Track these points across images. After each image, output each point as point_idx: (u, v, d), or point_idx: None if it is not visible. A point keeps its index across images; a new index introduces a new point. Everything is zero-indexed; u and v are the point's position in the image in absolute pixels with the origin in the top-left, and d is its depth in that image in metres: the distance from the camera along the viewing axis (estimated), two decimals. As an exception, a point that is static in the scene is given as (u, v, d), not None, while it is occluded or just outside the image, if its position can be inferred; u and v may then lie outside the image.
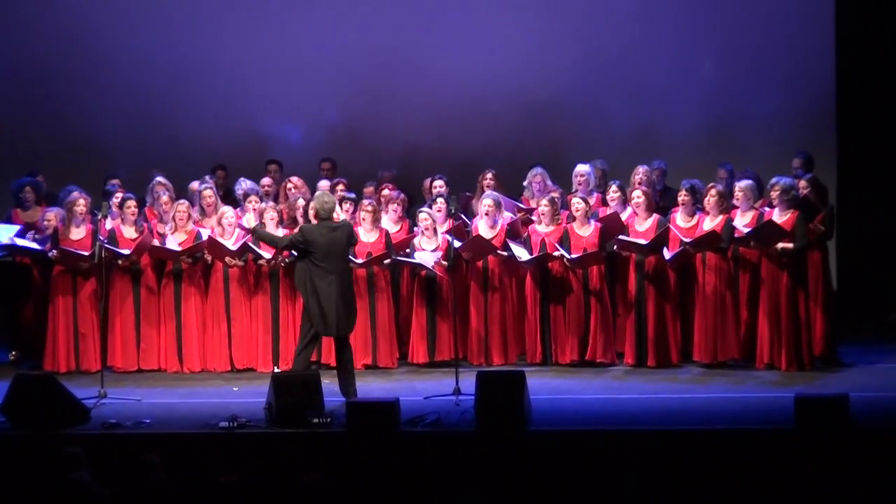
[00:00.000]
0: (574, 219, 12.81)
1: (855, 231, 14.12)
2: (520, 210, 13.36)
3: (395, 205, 13.20)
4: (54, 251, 12.80)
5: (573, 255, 12.57)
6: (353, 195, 13.30)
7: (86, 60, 15.50)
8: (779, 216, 12.34)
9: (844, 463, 9.80)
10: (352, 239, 11.82)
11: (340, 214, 12.85)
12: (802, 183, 12.65)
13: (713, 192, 12.56)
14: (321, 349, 12.46)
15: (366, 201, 13.07)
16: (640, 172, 13.33)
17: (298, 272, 11.65)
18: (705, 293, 12.48)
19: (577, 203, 12.74)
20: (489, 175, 13.62)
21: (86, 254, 12.67)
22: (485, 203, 12.90)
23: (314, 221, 11.86)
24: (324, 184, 13.86)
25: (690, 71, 15.16)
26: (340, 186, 13.68)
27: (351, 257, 12.52)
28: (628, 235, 12.65)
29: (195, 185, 13.53)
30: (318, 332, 11.55)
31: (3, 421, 10.66)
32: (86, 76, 15.53)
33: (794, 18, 14.91)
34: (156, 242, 12.85)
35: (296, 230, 11.96)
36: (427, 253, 12.73)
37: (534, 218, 13.05)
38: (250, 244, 12.72)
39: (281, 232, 12.70)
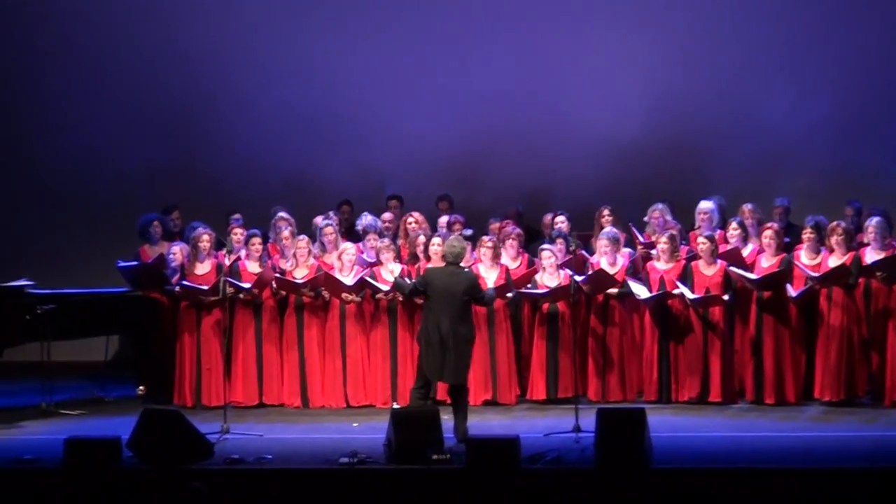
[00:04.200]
0: (697, 256, 12.71)
1: None
2: (640, 244, 13.28)
3: (512, 240, 13.19)
4: (178, 287, 13.03)
5: (694, 296, 12.45)
6: (470, 232, 13.29)
7: (216, 100, 15.77)
8: (910, 253, 12.15)
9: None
10: (473, 291, 11.48)
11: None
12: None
13: (839, 229, 12.37)
14: (436, 386, 12.45)
15: (485, 238, 13.07)
16: (747, 212, 13.22)
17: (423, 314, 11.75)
18: (831, 329, 12.28)
19: (702, 242, 12.62)
20: (605, 212, 13.58)
21: (206, 287, 12.85)
22: (601, 243, 12.86)
23: (440, 262, 11.95)
24: (443, 220, 13.93)
25: (813, 107, 14.99)
26: (457, 225, 13.73)
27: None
28: (749, 271, 12.51)
29: (318, 220, 13.68)
30: (424, 369, 11.58)
31: (130, 455, 10.81)
32: (215, 116, 15.81)
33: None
34: (277, 276, 13.00)
35: (422, 272, 12.00)
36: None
37: (653, 253, 12.96)
38: (367, 279, 12.79)
39: (398, 268, 12.77)
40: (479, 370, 12.80)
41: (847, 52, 14.92)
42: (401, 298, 12.71)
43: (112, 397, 13.68)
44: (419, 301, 12.16)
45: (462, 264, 12.89)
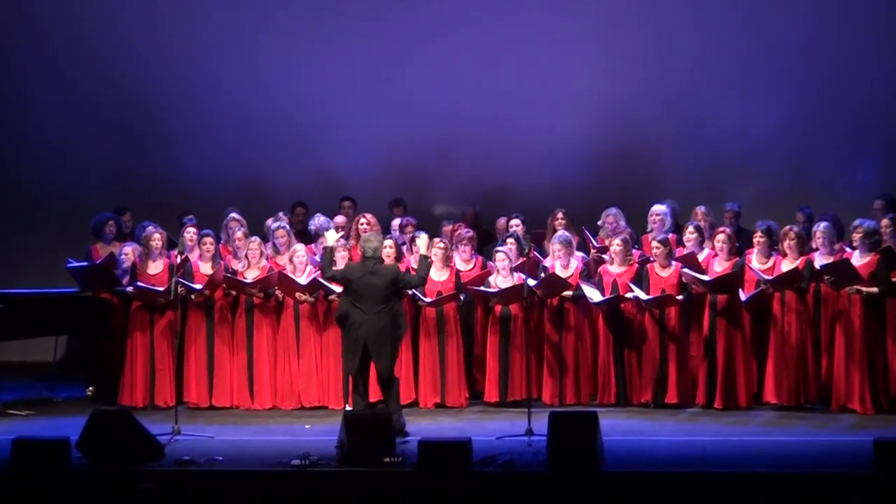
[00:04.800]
0: (649, 259, 12.76)
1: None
2: (594, 247, 13.31)
3: (465, 243, 13.19)
4: (131, 287, 12.95)
5: (648, 297, 12.49)
6: (421, 234, 13.27)
7: (171, 101, 15.68)
8: (859, 259, 12.23)
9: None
10: (399, 282, 11.57)
11: (412, 261, 12.87)
12: (885, 222, 12.53)
13: (791, 234, 12.46)
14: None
15: (436, 240, 13.06)
16: (700, 215, 13.30)
17: (340, 306, 11.80)
18: (784, 334, 12.36)
19: (657, 245, 12.66)
20: (559, 215, 13.60)
21: (161, 289, 12.79)
22: (554, 248, 12.89)
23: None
24: (396, 222, 13.92)
25: (764, 115, 15.09)
26: (409, 227, 13.71)
27: (420, 295, 12.50)
28: (703, 274, 12.57)
29: (270, 222, 13.64)
30: (343, 367, 11.63)
31: (80, 456, 10.73)
32: (170, 117, 15.71)
33: (874, 54, 14.80)
34: (227, 276, 12.94)
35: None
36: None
37: (605, 257, 13.00)
38: (321, 280, 12.76)
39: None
40: (428, 374, 12.82)
41: (798, 60, 15.01)
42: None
43: (61, 398, 13.59)
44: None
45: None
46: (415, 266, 12.01)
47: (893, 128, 14.79)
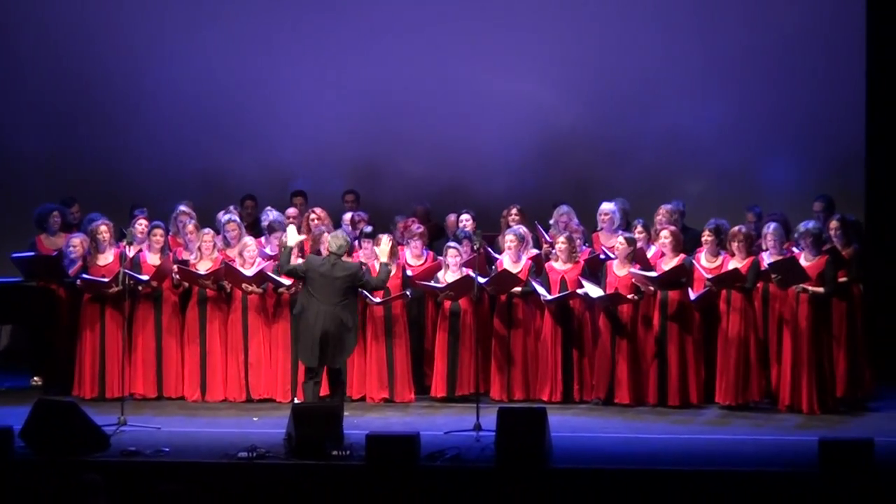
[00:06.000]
0: (599, 256, 12.78)
1: (884, 273, 14.02)
2: (546, 243, 13.32)
3: (416, 238, 13.19)
4: (79, 280, 12.83)
5: (598, 294, 12.51)
6: (370, 229, 13.25)
7: (119, 92, 15.56)
8: (807, 260, 12.31)
9: (869, 508, 9.75)
10: (356, 280, 11.81)
11: (360, 255, 12.87)
12: (833, 224, 12.64)
13: (740, 234, 12.52)
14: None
15: (381, 236, 12.98)
16: (662, 213, 13.35)
17: (299, 300, 11.94)
18: (728, 334, 12.43)
19: (621, 242, 12.65)
20: (514, 210, 13.61)
21: (106, 280, 12.69)
22: (508, 239, 12.90)
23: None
24: (347, 216, 13.88)
25: (714, 112, 15.16)
26: (361, 223, 13.68)
27: (368, 294, 12.51)
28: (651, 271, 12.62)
29: (220, 215, 13.57)
30: (299, 356, 11.86)
31: (23, 446, 10.63)
32: (119, 108, 15.59)
33: (822, 57, 14.90)
34: (180, 266, 12.87)
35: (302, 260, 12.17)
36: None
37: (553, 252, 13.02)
38: (268, 273, 12.71)
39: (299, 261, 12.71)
40: (375, 370, 12.80)
41: (745, 60, 15.08)
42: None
43: (5, 387, 13.47)
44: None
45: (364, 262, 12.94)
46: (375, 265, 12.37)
47: (838, 129, 14.89)
